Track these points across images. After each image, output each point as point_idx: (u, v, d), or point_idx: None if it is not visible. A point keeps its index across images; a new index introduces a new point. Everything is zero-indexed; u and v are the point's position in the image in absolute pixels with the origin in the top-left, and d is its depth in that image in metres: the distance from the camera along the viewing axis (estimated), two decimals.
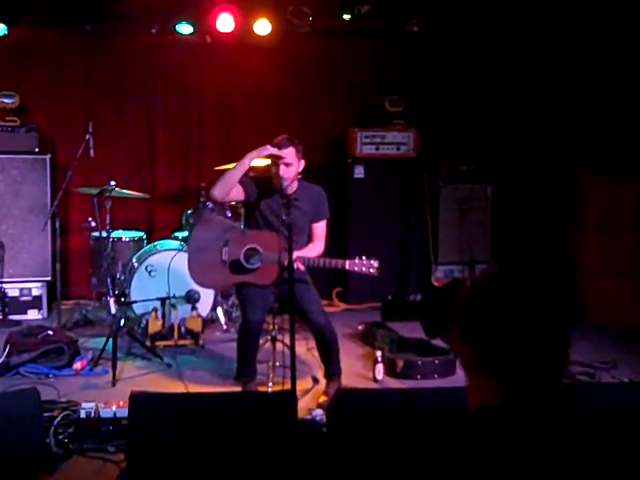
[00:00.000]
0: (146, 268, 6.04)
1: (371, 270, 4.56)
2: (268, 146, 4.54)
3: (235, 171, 4.57)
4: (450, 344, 1.54)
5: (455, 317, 1.46)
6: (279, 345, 4.93)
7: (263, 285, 4.65)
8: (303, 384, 4.97)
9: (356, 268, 4.56)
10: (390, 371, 5.19)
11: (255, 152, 4.57)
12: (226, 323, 6.37)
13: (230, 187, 4.57)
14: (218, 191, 4.59)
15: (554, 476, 1.34)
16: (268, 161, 4.73)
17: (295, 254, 4.47)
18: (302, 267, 4.58)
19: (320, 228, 4.79)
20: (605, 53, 6.45)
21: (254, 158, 4.57)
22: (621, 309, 6.39)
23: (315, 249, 4.73)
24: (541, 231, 7.58)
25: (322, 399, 4.70)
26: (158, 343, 5.79)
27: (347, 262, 4.57)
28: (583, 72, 6.74)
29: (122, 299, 5.91)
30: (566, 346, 1.43)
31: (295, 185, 4.65)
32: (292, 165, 4.56)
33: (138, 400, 3.54)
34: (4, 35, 6.59)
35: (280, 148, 4.53)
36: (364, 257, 4.56)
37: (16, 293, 6.68)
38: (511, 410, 1.39)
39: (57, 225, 6.42)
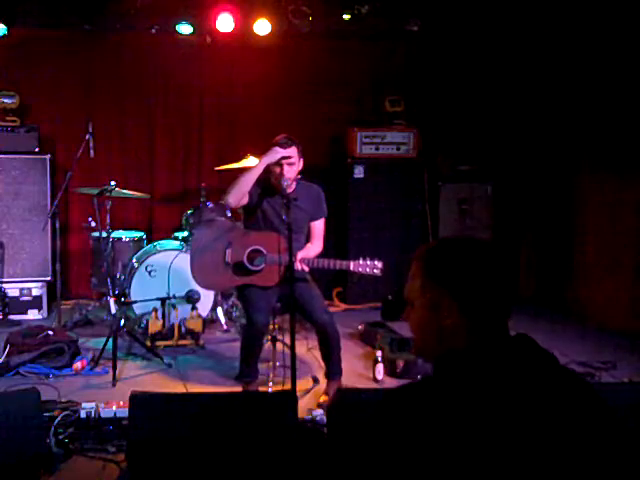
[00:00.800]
0: (146, 268, 6.05)
1: (375, 271, 4.57)
2: (277, 148, 4.53)
3: (249, 177, 4.57)
4: (408, 296, 1.66)
5: (422, 269, 1.63)
6: (279, 345, 4.94)
7: (266, 286, 4.65)
8: (303, 384, 4.97)
9: (360, 269, 4.57)
10: (390, 371, 5.20)
11: (267, 157, 4.56)
12: (226, 323, 6.37)
13: (244, 193, 4.58)
14: (233, 198, 4.59)
15: (519, 411, 1.48)
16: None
17: (299, 255, 4.48)
18: (307, 268, 4.59)
19: (319, 227, 4.80)
20: (606, 53, 6.44)
21: (266, 163, 4.57)
22: (621, 309, 6.39)
23: (314, 248, 4.74)
24: (541, 230, 7.58)
25: (322, 399, 4.70)
26: (158, 343, 5.79)
27: (351, 263, 4.58)
28: (584, 71, 6.74)
29: (122, 299, 5.91)
30: (512, 295, 1.65)
31: (294, 184, 4.66)
32: (295, 165, 4.58)
33: (138, 400, 3.54)
34: (4, 35, 6.58)
35: (284, 148, 4.54)
36: (368, 258, 4.58)
37: (16, 293, 6.68)
38: (477, 350, 1.56)
39: (57, 225, 6.42)
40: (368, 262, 4.56)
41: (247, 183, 4.56)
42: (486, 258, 1.63)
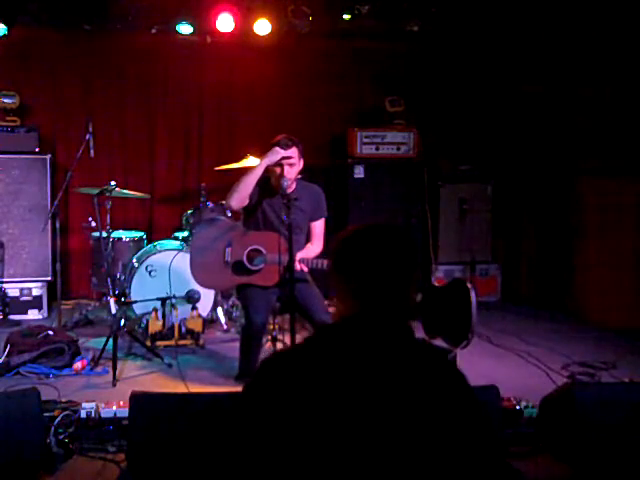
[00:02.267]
0: (146, 268, 6.05)
1: None
2: (277, 149, 4.53)
3: (249, 179, 4.57)
4: (331, 284, 1.91)
5: (332, 262, 1.90)
6: (279, 345, 4.94)
7: (266, 286, 4.65)
8: None
9: None
10: None
11: (267, 158, 4.56)
12: (226, 323, 6.37)
13: (246, 195, 4.58)
14: (235, 201, 4.59)
15: (357, 382, 1.68)
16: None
17: (298, 255, 4.48)
18: (306, 269, 4.59)
19: (319, 227, 4.80)
20: (606, 56, 6.45)
21: (267, 164, 4.56)
22: (621, 309, 6.39)
23: (314, 248, 4.74)
24: (541, 231, 7.58)
25: None
26: (158, 343, 5.79)
27: None
28: (583, 70, 6.74)
29: (122, 299, 5.91)
30: (408, 285, 1.84)
31: (294, 185, 4.66)
32: (295, 165, 4.58)
33: (139, 400, 3.55)
34: (4, 35, 6.59)
35: (285, 148, 4.54)
36: None
37: (16, 293, 6.68)
38: (360, 317, 1.79)
39: (57, 225, 6.42)
40: None
41: (248, 185, 4.56)
42: (373, 244, 1.85)
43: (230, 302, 6.54)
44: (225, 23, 6.71)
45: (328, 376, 1.69)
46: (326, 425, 1.64)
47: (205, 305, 6.05)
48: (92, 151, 5.82)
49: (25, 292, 6.71)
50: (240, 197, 4.57)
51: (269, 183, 4.64)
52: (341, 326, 1.82)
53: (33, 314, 6.69)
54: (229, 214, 6.39)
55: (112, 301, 5.35)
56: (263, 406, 1.71)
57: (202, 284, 5.04)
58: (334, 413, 1.65)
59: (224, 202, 4.89)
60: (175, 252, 6.00)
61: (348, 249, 1.87)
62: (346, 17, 6.97)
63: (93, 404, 4.04)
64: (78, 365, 5.19)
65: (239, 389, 4.92)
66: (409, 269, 1.84)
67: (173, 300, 5.80)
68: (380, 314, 1.79)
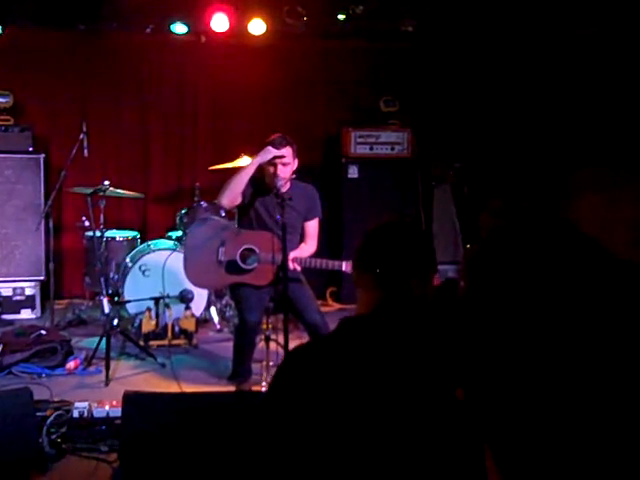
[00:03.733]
0: (140, 268, 6.04)
1: None
2: (270, 148, 4.53)
3: (241, 178, 4.56)
4: (354, 281, 2.04)
5: (358, 254, 2.01)
6: (273, 344, 4.93)
7: (259, 285, 4.65)
8: None
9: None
10: None
11: (259, 157, 4.55)
12: (219, 322, 6.37)
13: (237, 194, 4.56)
14: (226, 200, 4.59)
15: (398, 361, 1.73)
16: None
17: (291, 255, 4.47)
18: (299, 268, 4.59)
19: (313, 227, 4.80)
20: (601, 56, 6.46)
21: (258, 163, 4.56)
22: None
23: (308, 248, 4.73)
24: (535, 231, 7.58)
25: None
26: (152, 343, 5.79)
27: (344, 263, 4.57)
28: (579, 71, 6.76)
29: (116, 298, 5.91)
30: (427, 277, 1.94)
31: (288, 184, 4.65)
32: (289, 165, 4.57)
33: (131, 400, 3.54)
34: None
35: (278, 148, 4.53)
36: None
37: (9, 292, 6.66)
38: (385, 307, 1.89)
39: (51, 224, 6.41)
40: None
41: (239, 184, 4.55)
42: (391, 237, 1.95)
43: (223, 302, 6.54)
44: (220, 23, 6.70)
45: (358, 366, 1.72)
46: (360, 414, 1.66)
47: (198, 305, 6.05)
48: (86, 150, 5.82)
49: (18, 291, 6.69)
50: (231, 195, 4.57)
51: (263, 182, 4.63)
52: (368, 317, 1.90)
53: (26, 313, 6.68)
54: (223, 214, 6.39)
55: (105, 301, 5.34)
56: (295, 398, 1.71)
57: (195, 283, 5.04)
58: (367, 400, 1.67)
59: (216, 202, 4.88)
60: (169, 252, 5.99)
61: (374, 241, 1.98)
62: (341, 17, 6.96)
63: (86, 404, 4.04)
64: (71, 365, 5.19)
65: (232, 389, 4.93)
66: (429, 261, 1.96)
67: (166, 300, 5.80)
68: (404, 303, 1.88)
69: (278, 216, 4.27)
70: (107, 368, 5.02)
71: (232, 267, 4.66)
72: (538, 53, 7.11)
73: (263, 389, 4.76)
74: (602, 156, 6.58)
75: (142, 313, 5.85)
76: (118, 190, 6.02)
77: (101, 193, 5.69)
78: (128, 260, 6.18)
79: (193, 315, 5.90)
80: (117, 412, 3.87)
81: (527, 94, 7.34)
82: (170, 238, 6.50)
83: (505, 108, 7.53)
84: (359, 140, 7.38)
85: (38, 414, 3.85)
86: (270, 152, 4.52)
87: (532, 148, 7.39)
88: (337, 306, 7.31)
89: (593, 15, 6.39)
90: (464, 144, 7.57)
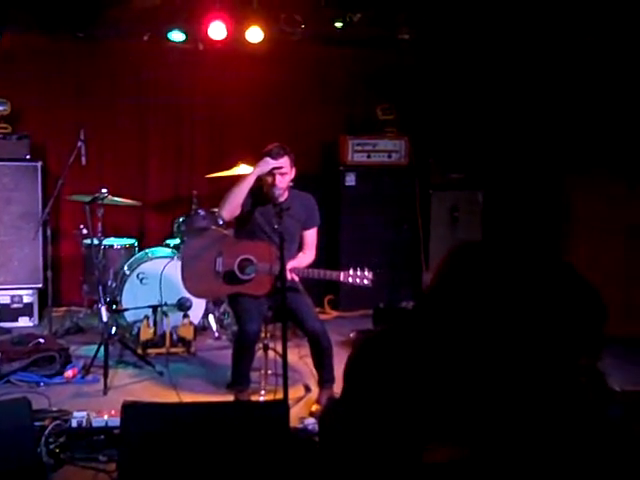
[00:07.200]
0: (137, 276, 6.04)
1: (365, 281, 4.56)
2: (268, 159, 4.54)
3: (240, 190, 4.58)
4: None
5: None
6: (271, 353, 4.94)
7: (257, 295, 4.65)
8: (295, 392, 4.97)
9: (350, 280, 4.56)
10: None
11: (258, 168, 4.57)
12: (218, 330, 6.37)
13: (237, 205, 4.58)
14: (226, 212, 4.60)
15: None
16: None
17: (289, 264, 4.48)
18: (297, 278, 4.60)
19: (311, 236, 4.81)
20: (595, 60, 6.49)
21: (257, 175, 4.57)
22: (614, 315, 6.39)
23: (307, 258, 4.75)
24: (531, 237, 7.60)
25: (314, 408, 4.70)
26: (150, 351, 5.79)
27: (341, 274, 4.58)
28: (574, 78, 6.78)
29: (113, 307, 5.90)
30: None
31: (286, 194, 4.66)
32: (287, 174, 4.58)
33: (130, 410, 3.54)
34: None
35: (276, 158, 4.55)
36: (358, 268, 4.57)
37: (7, 300, 6.65)
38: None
39: (48, 232, 6.40)
40: (358, 272, 4.56)
41: (239, 196, 4.56)
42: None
43: (221, 309, 6.54)
44: (217, 31, 6.70)
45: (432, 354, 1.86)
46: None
47: (196, 313, 6.05)
48: (84, 158, 5.80)
49: (16, 299, 6.68)
50: (231, 207, 4.58)
51: (261, 192, 4.64)
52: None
53: (24, 321, 6.67)
54: (221, 222, 6.39)
55: (103, 309, 5.34)
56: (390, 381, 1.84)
57: (193, 293, 5.04)
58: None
59: (216, 210, 4.89)
60: (167, 260, 5.99)
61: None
62: (338, 25, 6.97)
63: (84, 413, 4.04)
64: (69, 373, 5.18)
65: (231, 397, 4.94)
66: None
67: (164, 308, 5.80)
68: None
69: (276, 225, 4.28)
70: (105, 377, 5.02)
71: (230, 277, 4.67)
72: (535, 61, 7.14)
73: (262, 398, 4.76)
74: (598, 165, 6.61)
75: (140, 321, 5.85)
76: (116, 198, 6.02)
77: (99, 201, 5.70)
78: (126, 268, 6.18)
79: (191, 323, 5.90)
80: (116, 422, 3.87)
81: (524, 101, 7.37)
82: (168, 246, 6.50)
83: (502, 115, 7.56)
84: (356, 148, 7.39)
85: (36, 424, 3.85)
86: (268, 164, 4.53)
87: (530, 154, 7.42)
88: (335, 314, 7.31)
89: (589, 23, 6.42)
90: (461, 152, 7.59)
